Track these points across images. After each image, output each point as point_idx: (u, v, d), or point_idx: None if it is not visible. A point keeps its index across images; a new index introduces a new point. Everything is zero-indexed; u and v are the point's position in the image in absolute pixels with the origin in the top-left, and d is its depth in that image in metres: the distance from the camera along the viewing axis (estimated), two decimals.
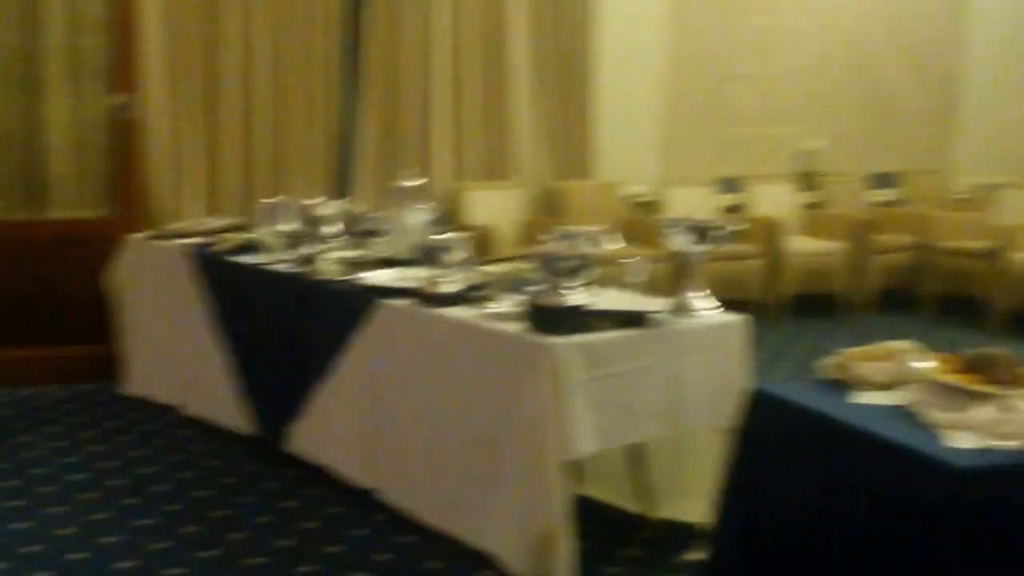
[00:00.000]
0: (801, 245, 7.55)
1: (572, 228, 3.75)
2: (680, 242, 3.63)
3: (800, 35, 8.12)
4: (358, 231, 4.62)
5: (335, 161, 6.74)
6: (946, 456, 2.35)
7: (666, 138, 7.77)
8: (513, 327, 3.46)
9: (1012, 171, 8.34)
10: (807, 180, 8.11)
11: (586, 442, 3.34)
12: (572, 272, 3.42)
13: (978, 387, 2.59)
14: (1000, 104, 8.64)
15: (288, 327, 4.41)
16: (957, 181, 8.59)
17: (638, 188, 7.56)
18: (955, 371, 2.68)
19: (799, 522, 2.71)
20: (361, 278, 4.14)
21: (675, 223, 3.69)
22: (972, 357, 2.72)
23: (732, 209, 7.72)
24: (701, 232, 3.61)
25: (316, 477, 4.21)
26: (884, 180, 8.43)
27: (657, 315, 3.52)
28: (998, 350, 2.74)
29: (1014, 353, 2.74)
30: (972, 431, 2.46)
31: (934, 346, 2.98)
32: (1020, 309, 7.22)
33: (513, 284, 3.69)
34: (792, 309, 7.44)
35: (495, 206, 6.98)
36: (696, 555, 3.42)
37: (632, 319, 3.47)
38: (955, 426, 2.49)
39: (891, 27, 8.39)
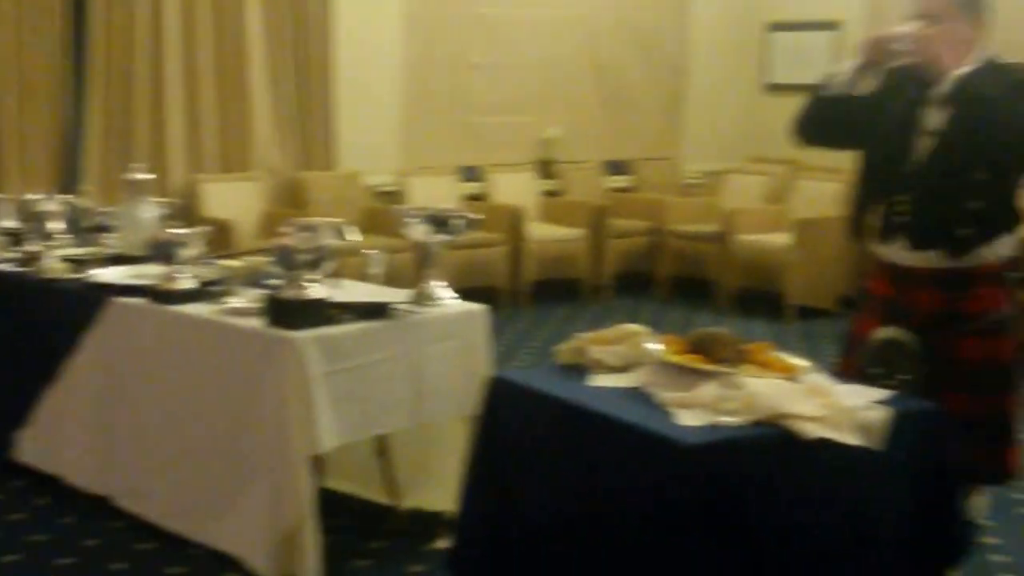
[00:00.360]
0: (541, 232, 7.73)
1: (311, 220, 3.70)
2: (420, 232, 3.64)
3: (534, 26, 8.28)
4: (86, 227, 4.42)
5: (59, 154, 6.39)
6: (673, 434, 2.46)
7: (407, 128, 7.78)
8: (252, 322, 3.39)
9: (735, 158, 8.83)
10: (546, 168, 8.32)
11: (330, 436, 3.31)
12: (311, 265, 3.37)
13: (702, 366, 2.72)
14: (722, 95, 9.12)
15: (11, 329, 4.15)
16: (686, 168, 9.01)
17: (380, 178, 7.54)
18: (682, 351, 2.81)
19: (540, 507, 2.78)
20: (90, 276, 3.95)
21: (414, 213, 3.70)
22: (697, 337, 2.85)
23: (474, 197, 7.82)
24: (440, 222, 3.64)
25: (46, 486, 3.98)
26: (619, 167, 8.75)
27: (398, 306, 3.52)
28: (720, 330, 2.89)
29: (735, 332, 2.89)
30: (698, 409, 2.58)
31: (668, 326, 3.11)
32: (744, 289, 7.67)
33: (252, 278, 3.62)
34: (535, 295, 7.61)
35: (234, 199, 6.80)
36: (444, 543, 3.45)
37: (373, 311, 3.46)
38: (683, 404, 2.60)
39: (621, 19, 8.69)
